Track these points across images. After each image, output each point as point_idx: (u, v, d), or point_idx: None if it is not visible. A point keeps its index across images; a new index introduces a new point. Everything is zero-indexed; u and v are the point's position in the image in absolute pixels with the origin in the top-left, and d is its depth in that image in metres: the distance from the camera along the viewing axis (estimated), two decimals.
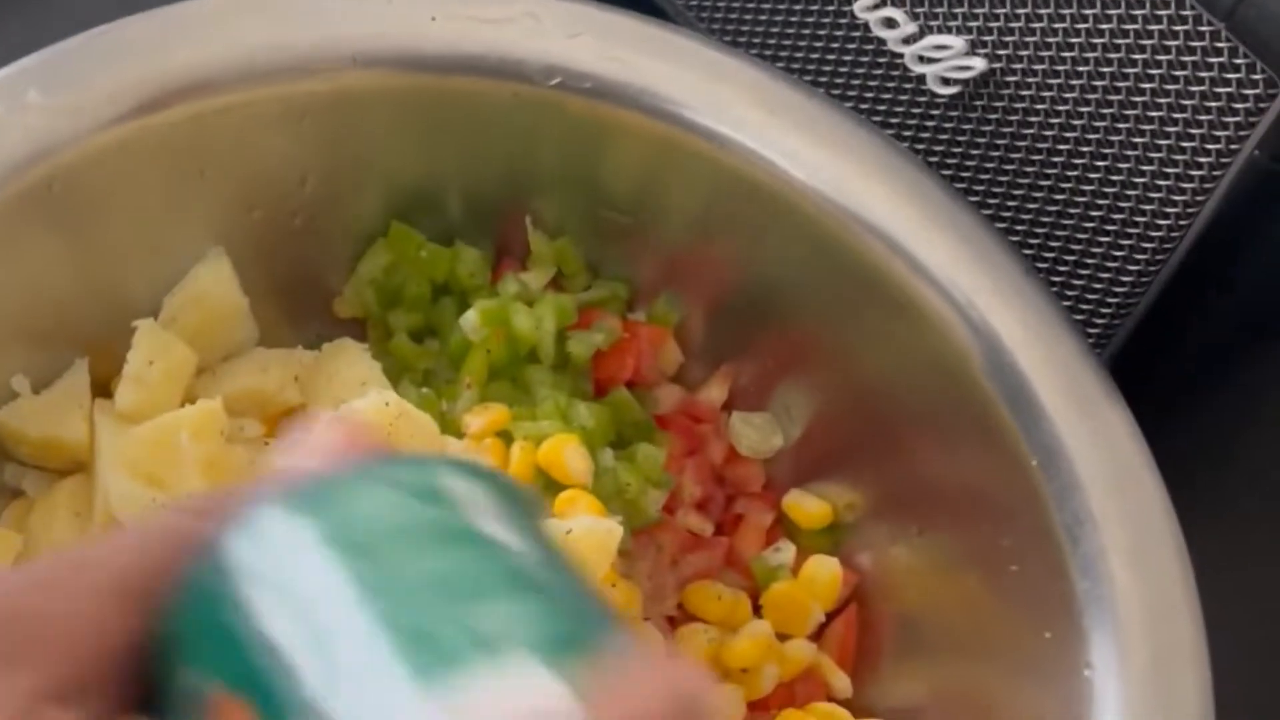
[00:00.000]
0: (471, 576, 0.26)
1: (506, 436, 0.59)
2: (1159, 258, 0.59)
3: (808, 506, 0.63)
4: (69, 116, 0.55)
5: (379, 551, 0.26)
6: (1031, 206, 0.62)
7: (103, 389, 0.59)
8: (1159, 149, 0.57)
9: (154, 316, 0.59)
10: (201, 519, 0.26)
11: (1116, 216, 0.60)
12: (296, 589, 0.26)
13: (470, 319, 0.61)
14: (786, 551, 0.63)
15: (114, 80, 0.56)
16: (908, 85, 0.64)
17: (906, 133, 0.65)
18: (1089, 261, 0.62)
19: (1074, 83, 0.58)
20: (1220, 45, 0.53)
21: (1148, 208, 0.58)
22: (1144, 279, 0.60)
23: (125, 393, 0.57)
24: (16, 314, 0.57)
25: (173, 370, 0.58)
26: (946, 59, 0.62)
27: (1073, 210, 0.61)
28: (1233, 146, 0.55)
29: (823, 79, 0.67)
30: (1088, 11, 0.56)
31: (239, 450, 0.57)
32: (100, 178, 0.56)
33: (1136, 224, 0.59)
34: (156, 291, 0.60)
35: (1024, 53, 0.59)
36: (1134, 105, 0.57)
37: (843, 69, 0.66)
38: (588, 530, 0.53)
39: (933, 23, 0.61)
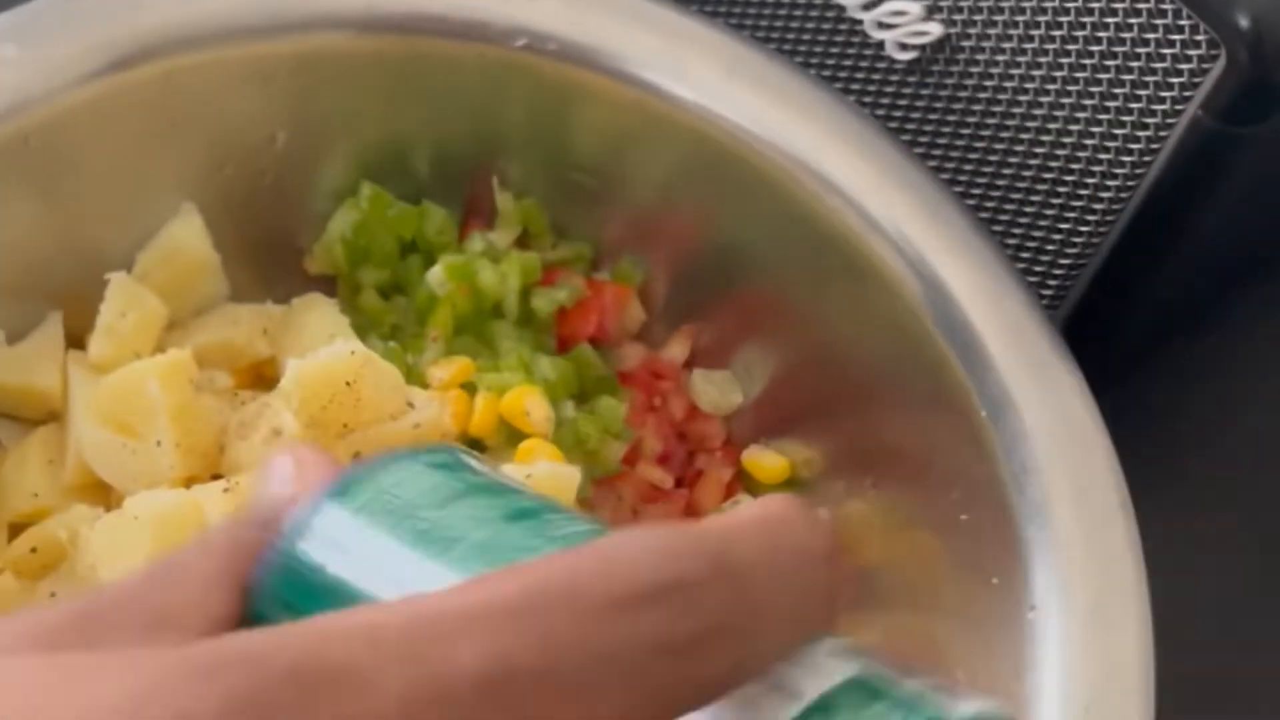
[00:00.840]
0: (519, 508, 0.29)
1: (470, 388, 0.60)
2: (1109, 218, 0.61)
3: (766, 462, 0.65)
4: (44, 72, 0.56)
5: (427, 506, 0.29)
6: (987, 169, 0.64)
7: (76, 342, 0.60)
8: (1107, 110, 0.58)
9: (127, 271, 0.60)
10: (263, 530, 0.30)
11: (1068, 178, 0.61)
12: (363, 559, 0.28)
13: (436, 274, 0.62)
14: (745, 504, 0.64)
15: (88, 37, 0.57)
16: (867, 51, 0.65)
17: (867, 98, 0.66)
18: (1042, 223, 0.63)
19: (1026, 46, 0.60)
20: (1165, 7, 0.54)
21: (1097, 169, 0.60)
22: (1095, 239, 0.62)
23: (97, 344, 0.58)
24: None
25: (144, 322, 0.59)
26: (904, 24, 0.63)
27: (1026, 172, 0.62)
28: (1178, 107, 0.56)
29: (785, 46, 0.68)
30: None
31: (209, 400, 0.58)
32: (74, 133, 0.57)
33: (1087, 185, 0.61)
34: (129, 246, 0.61)
35: (979, 17, 0.60)
36: (1083, 68, 0.58)
37: (805, 36, 0.67)
38: (547, 474, 0.54)
39: None
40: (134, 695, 0.21)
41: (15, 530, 0.58)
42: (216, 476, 0.56)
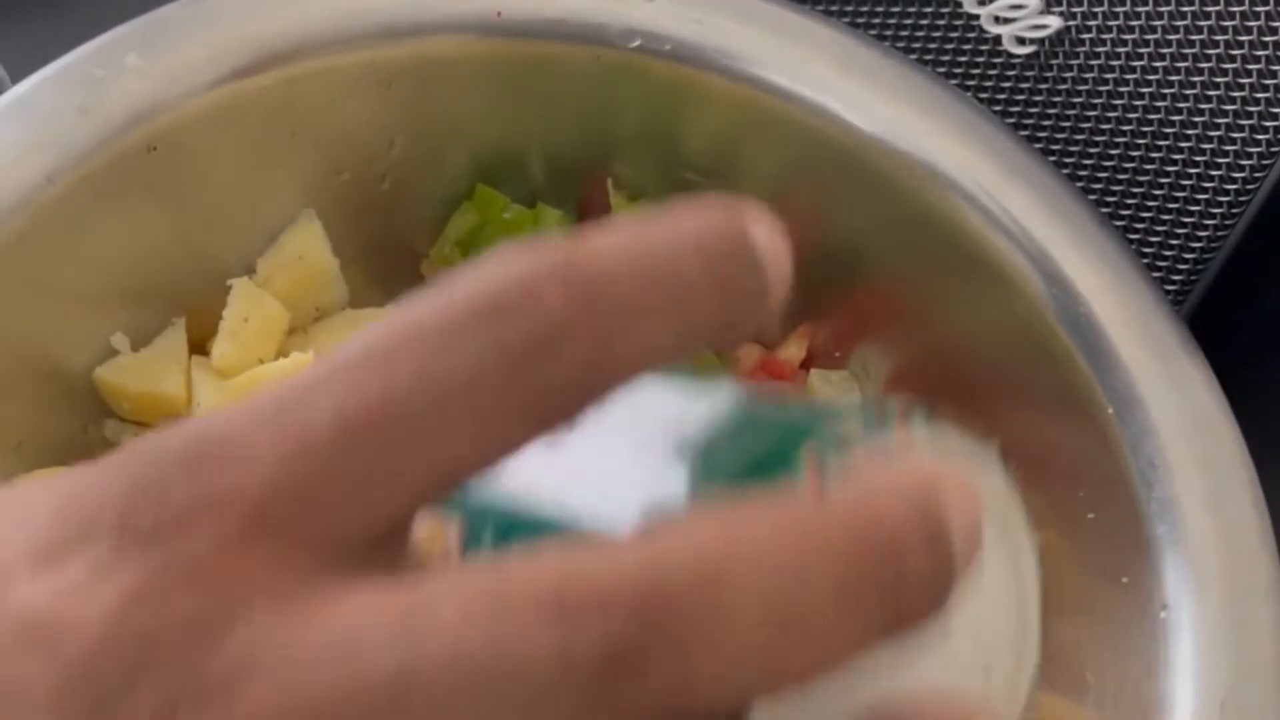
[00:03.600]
0: None
1: None
2: (1234, 211, 0.59)
3: None
4: (167, 80, 0.57)
5: None
6: (1107, 164, 0.63)
7: (199, 348, 0.61)
8: (1232, 100, 0.57)
9: (247, 277, 0.61)
10: None
11: (1192, 171, 0.60)
12: None
13: None
14: None
15: (209, 45, 0.58)
16: (984, 46, 0.65)
17: (983, 93, 0.66)
18: (1165, 217, 0.62)
19: (1148, 38, 0.59)
20: None
21: (1222, 161, 0.59)
22: (1221, 231, 0.61)
23: (221, 348, 0.59)
24: (116, 274, 0.59)
25: (267, 327, 0.59)
26: (1022, 18, 0.62)
27: (1149, 166, 0.62)
28: None
29: (900, 41, 0.68)
30: None
31: None
32: (197, 140, 0.58)
33: (1211, 178, 0.60)
34: (250, 253, 0.62)
35: (1099, 9, 0.60)
36: (1207, 59, 0.57)
37: (919, 31, 0.67)
38: None
39: None
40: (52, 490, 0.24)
41: None
42: None
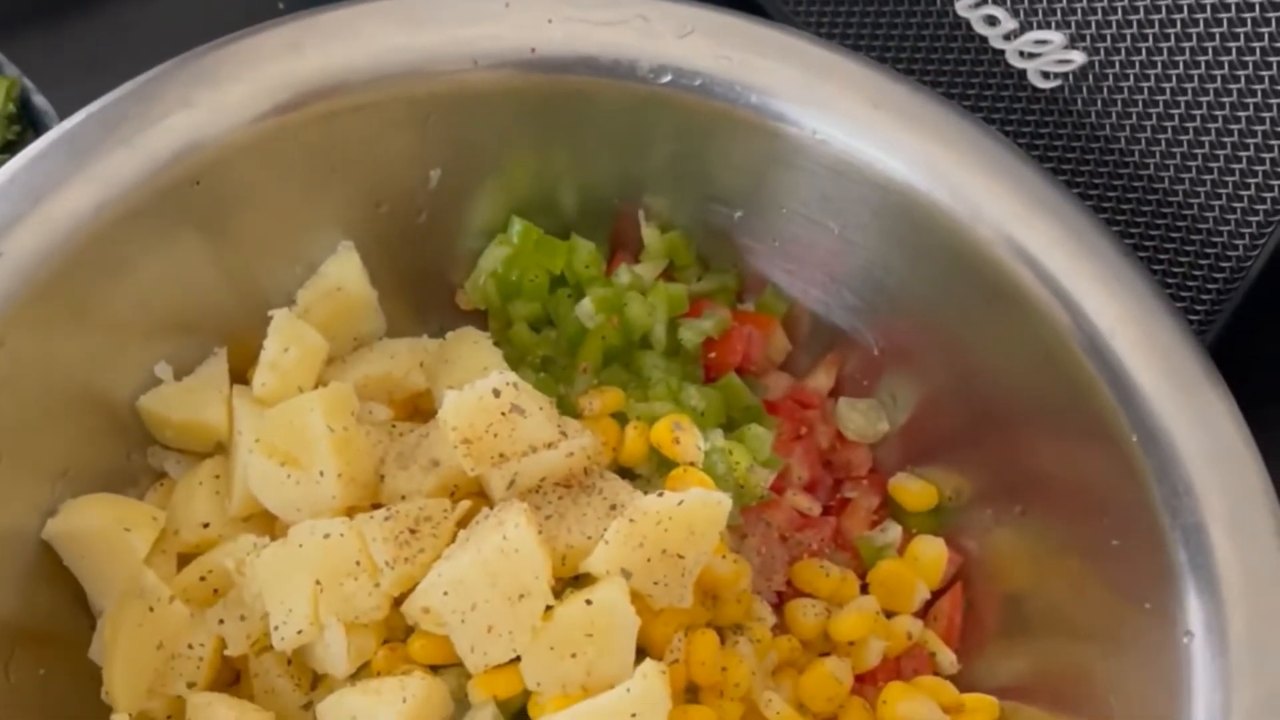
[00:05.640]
0: None
1: (621, 418, 0.61)
2: (1259, 240, 0.60)
3: (913, 489, 0.65)
4: (210, 116, 0.58)
5: None
6: (1132, 194, 0.64)
7: (240, 376, 0.62)
8: (1254, 134, 0.58)
9: (288, 308, 0.62)
10: None
11: (1214, 203, 0.61)
12: None
13: (586, 306, 0.63)
14: (892, 532, 0.65)
15: (252, 82, 0.59)
16: (1009, 80, 0.66)
17: (1009, 127, 0.67)
18: (1190, 247, 0.63)
19: (1171, 72, 0.60)
20: None
21: (1244, 194, 0.60)
22: (1245, 262, 0.61)
23: (261, 378, 0.60)
24: (160, 305, 0.60)
25: (306, 357, 0.61)
26: (1047, 53, 0.63)
27: (1173, 197, 0.62)
28: None
29: (926, 77, 0.69)
30: (1183, 2, 0.58)
31: (368, 431, 0.60)
32: (239, 175, 0.59)
33: (1234, 209, 0.60)
34: (290, 285, 0.63)
35: (1122, 45, 0.61)
36: (1229, 93, 0.58)
37: (945, 66, 0.68)
38: (698, 501, 0.55)
39: (1033, 19, 0.63)
40: None
41: (183, 560, 0.60)
42: (376, 505, 0.58)
